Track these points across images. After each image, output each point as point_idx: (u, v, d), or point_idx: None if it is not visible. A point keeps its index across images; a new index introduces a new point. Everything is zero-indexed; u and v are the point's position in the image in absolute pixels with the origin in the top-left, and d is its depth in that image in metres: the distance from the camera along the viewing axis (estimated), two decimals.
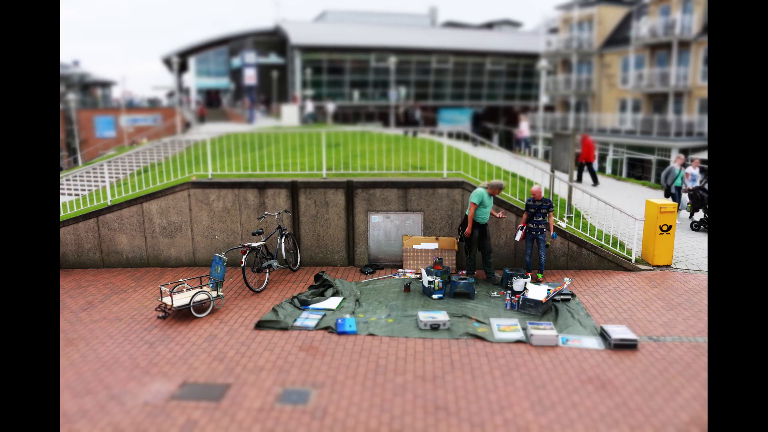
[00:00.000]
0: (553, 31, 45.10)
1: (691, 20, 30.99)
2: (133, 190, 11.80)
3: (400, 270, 10.53)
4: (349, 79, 52.15)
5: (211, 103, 52.10)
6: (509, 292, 8.88)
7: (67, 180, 16.90)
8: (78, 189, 16.41)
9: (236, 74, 55.76)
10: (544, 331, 7.29)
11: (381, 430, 5.31)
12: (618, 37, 37.30)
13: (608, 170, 31.03)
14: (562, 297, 8.64)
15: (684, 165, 14.01)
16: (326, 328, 7.70)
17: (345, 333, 7.53)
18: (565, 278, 9.47)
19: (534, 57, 51.52)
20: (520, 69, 57.01)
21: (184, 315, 8.30)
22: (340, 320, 7.75)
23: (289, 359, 6.80)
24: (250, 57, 33.42)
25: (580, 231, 10.78)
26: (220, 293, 8.60)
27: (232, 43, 57.77)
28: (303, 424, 5.40)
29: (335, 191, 10.70)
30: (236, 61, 55.82)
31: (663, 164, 28.67)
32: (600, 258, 10.23)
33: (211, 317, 8.22)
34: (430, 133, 22.20)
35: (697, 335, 7.39)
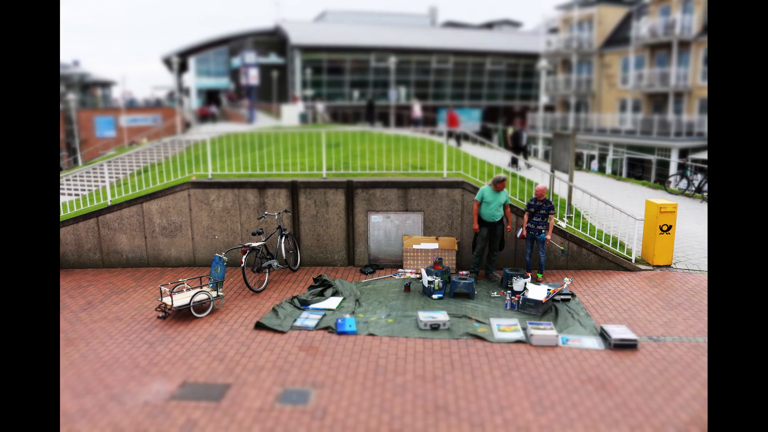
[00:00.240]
0: (553, 31, 45.10)
1: (691, 20, 30.99)
2: (133, 190, 11.80)
3: (400, 270, 10.53)
4: (349, 79, 52.16)
5: (211, 102, 52.08)
6: (509, 292, 8.88)
7: (67, 180, 16.90)
8: (78, 189, 16.41)
9: (236, 74, 55.78)
10: (544, 331, 7.29)
11: (381, 430, 5.32)
12: (618, 37, 37.31)
13: (608, 170, 31.02)
14: (562, 297, 8.64)
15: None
16: (326, 328, 7.70)
17: (345, 333, 7.53)
18: (565, 278, 9.47)
19: (534, 57, 51.54)
20: (520, 69, 57.03)
21: (184, 315, 8.30)
22: (340, 320, 7.75)
23: (289, 359, 6.80)
24: (250, 57, 33.40)
25: (580, 231, 10.78)
26: (220, 293, 8.60)
27: (232, 43, 57.80)
28: (303, 424, 5.40)
29: (335, 191, 10.71)
30: (236, 61, 55.82)
31: (663, 164, 28.68)
32: (600, 258, 10.24)
33: (211, 317, 8.22)
34: (430, 133, 22.19)
35: (697, 335, 7.39)
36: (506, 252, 10.55)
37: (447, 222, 10.71)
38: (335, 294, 9.11)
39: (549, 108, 43.85)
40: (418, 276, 10.11)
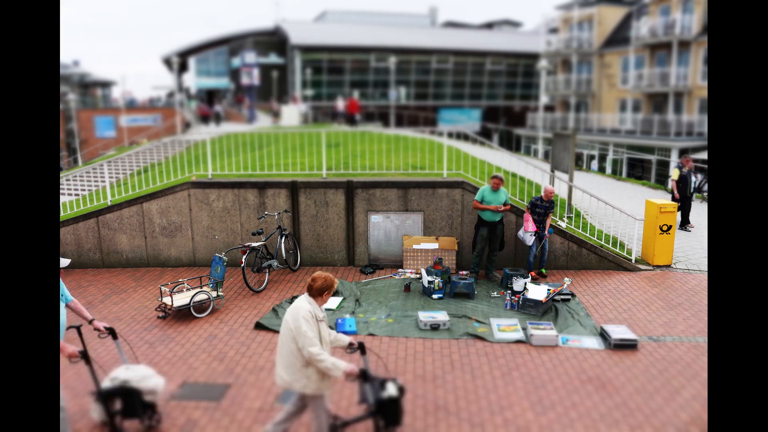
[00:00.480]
0: (553, 31, 45.10)
1: (691, 20, 30.99)
2: (133, 190, 11.80)
3: (400, 270, 10.53)
4: (349, 79, 52.16)
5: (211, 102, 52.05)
6: (509, 292, 8.88)
7: (67, 180, 16.90)
8: (78, 189, 16.40)
9: (236, 74, 55.76)
10: (544, 331, 7.29)
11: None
12: (618, 37, 37.31)
13: (608, 170, 31.03)
14: (562, 297, 8.64)
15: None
16: None
17: (345, 333, 7.53)
18: (565, 278, 9.47)
19: (534, 57, 51.54)
20: (520, 69, 57.03)
21: (184, 315, 8.30)
22: (340, 320, 7.75)
23: None
24: (250, 57, 33.38)
25: (580, 231, 10.78)
26: (220, 293, 8.60)
27: (232, 43, 57.80)
28: (303, 425, 5.40)
29: (335, 191, 10.71)
30: (236, 61, 55.82)
31: (663, 164, 28.68)
32: (600, 258, 10.24)
33: (211, 317, 8.22)
34: (430, 132, 22.20)
35: (697, 335, 7.39)
36: (506, 252, 10.55)
37: (447, 222, 10.71)
38: (335, 294, 9.11)
39: (549, 108, 43.86)
40: (418, 276, 10.11)
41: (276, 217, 10.59)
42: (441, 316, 7.76)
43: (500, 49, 55.84)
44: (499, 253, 10.10)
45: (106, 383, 5.01)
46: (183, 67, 58.12)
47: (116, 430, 4.88)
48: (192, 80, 60.70)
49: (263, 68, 51.47)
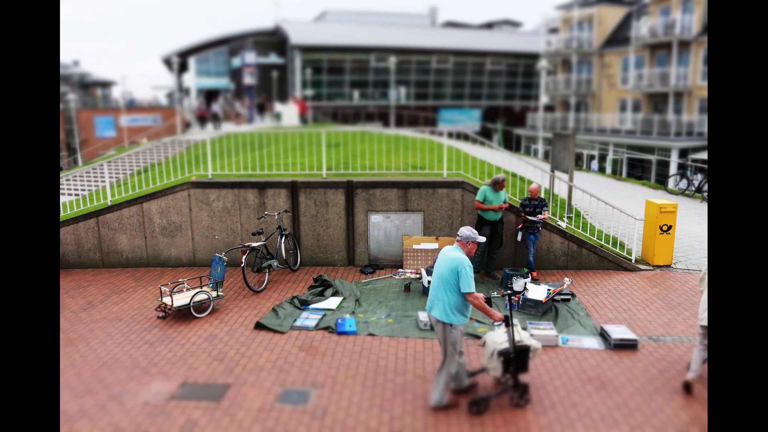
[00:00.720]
0: (553, 31, 45.10)
1: (691, 20, 30.99)
2: (133, 190, 11.80)
3: (400, 270, 10.53)
4: (349, 79, 52.16)
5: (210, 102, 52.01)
6: (509, 292, 8.87)
7: (67, 180, 16.90)
8: (78, 189, 16.40)
9: (236, 74, 55.71)
10: (544, 331, 7.29)
11: (381, 430, 5.31)
12: (618, 37, 37.30)
13: (608, 170, 31.03)
14: (562, 297, 8.64)
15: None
16: (326, 328, 7.70)
17: (345, 333, 7.53)
18: (565, 278, 9.47)
19: (534, 57, 51.54)
20: (520, 69, 57.03)
21: (184, 315, 8.30)
22: (340, 320, 7.75)
23: (289, 359, 6.80)
24: (250, 57, 33.38)
25: (580, 231, 10.78)
26: (220, 293, 8.60)
27: (232, 43, 57.78)
28: (303, 424, 5.40)
29: (335, 191, 10.71)
30: (236, 61, 55.81)
31: (663, 164, 28.68)
32: (600, 258, 10.23)
33: (211, 317, 8.22)
34: (430, 132, 22.21)
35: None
36: (506, 252, 10.56)
37: (447, 222, 10.71)
38: (335, 294, 9.11)
39: (549, 108, 43.85)
40: (418, 276, 10.11)
41: (276, 217, 10.59)
42: None
43: (500, 49, 55.84)
44: (498, 251, 10.12)
45: (502, 345, 5.71)
46: (183, 67, 58.10)
47: (517, 382, 5.67)
48: (192, 80, 60.67)
49: (263, 68, 51.48)
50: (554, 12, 45.24)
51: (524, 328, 7.62)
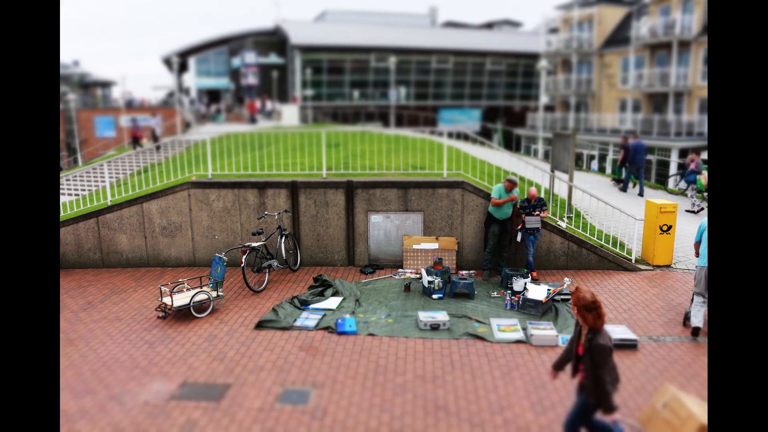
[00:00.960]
0: (553, 31, 45.09)
1: (691, 20, 30.99)
2: (133, 190, 11.80)
3: (400, 270, 10.53)
4: (349, 79, 52.15)
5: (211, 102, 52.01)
6: (509, 292, 8.89)
7: (67, 180, 16.90)
8: (78, 189, 16.40)
9: (236, 74, 55.72)
10: (544, 331, 7.29)
11: (381, 430, 5.31)
12: (618, 37, 37.30)
13: (608, 170, 31.02)
14: (562, 297, 8.64)
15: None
16: (326, 328, 7.70)
17: (345, 333, 7.53)
18: (565, 278, 9.48)
19: (534, 57, 51.54)
20: (520, 69, 57.02)
21: (184, 315, 8.30)
22: (340, 320, 7.75)
23: (289, 359, 6.80)
24: (250, 57, 33.40)
25: (580, 231, 10.78)
26: (220, 293, 8.60)
27: (232, 43, 57.78)
28: (303, 424, 5.40)
29: (335, 191, 10.70)
30: (236, 61, 55.81)
31: (663, 164, 28.67)
32: (600, 258, 10.23)
33: (211, 317, 8.22)
34: (430, 132, 22.20)
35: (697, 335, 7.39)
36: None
37: (447, 222, 10.71)
38: (335, 294, 9.11)
39: (549, 108, 43.85)
40: (418, 276, 10.12)
41: (276, 217, 10.59)
42: (441, 316, 7.76)
43: (500, 49, 55.83)
44: (508, 249, 10.20)
45: None
46: (183, 67, 58.10)
47: None
48: (192, 80, 60.68)
49: (263, 68, 51.47)
50: (554, 12, 45.25)
51: (524, 328, 7.62)
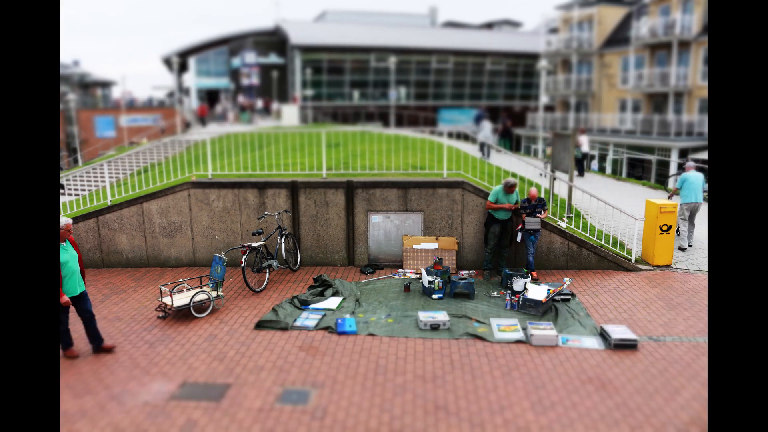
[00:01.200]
0: (553, 31, 45.07)
1: (691, 20, 30.98)
2: (133, 190, 11.80)
3: (400, 270, 10.53)
4: (349, 79, 52.14)
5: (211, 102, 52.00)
6: (509, 292, 8.89)
7: (67, 180, 16.89)
8: (78, 189, 16.40)
9: (236, 74, 55.71)
10: (544, 331, 7.28)
11: (381, 430, 5.31)
12: (618, 37, 37.30)
13: (608, 170, 31.03)
14: (562, 297, 8.63)
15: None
16: (326, 328, 7.70)
17: (345, 333, 7.53)
18: (565, 278, 9.48)
19: (534, 57, 51.51)
20: (520, 69, 57.00)
21: (184, 315, 8.30)
22: (340, 320, 7.75)
23: (289, 359, 6.80)
24: (250, 57, 33.39)
25: (580, 231, 10.78)
26: (220, 293, 8.60)
27: (232, 43, 57.76)
28: (303, 424, 5.40)
29: (335, 191, 10.70)
30: (236, 61, 55.79)
31: (663, 164, 28.68)
32: (600, 258, 10.23)
33: (211, 317, 8.22)
34: (430, 132, 22.21)
35: (697, 335, 7.39)
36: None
37: (447, 222, 10.71)
38: (335, 294, 9.11)
39: (549, 108, 43.83)
40: (418, 276, 10.12)
41: (276, 217, 10.59)
42: (441, 316, 7.76)
43: (500, 49, 55.80)
44: (508, 249, 10.20)
45: None
46: (183, 67, 58.08)
47: None
48: (192, 80, 60.66)
49: (263, 68, 51.44)
50: (554, 12, 45.21)
51: (524, 328, 7.62)
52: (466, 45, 54.86)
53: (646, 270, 9.97)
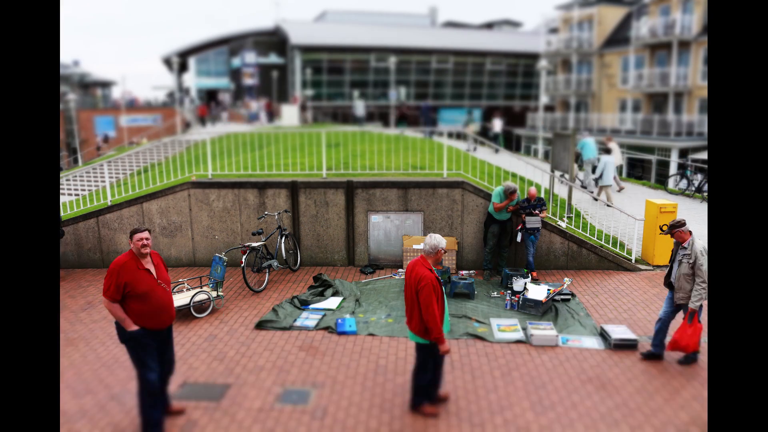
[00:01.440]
0: (553, 31, 45.06)
1: (691, 20, 30.98)
2: (133, 190, 11.80)
3: (400, 270, 10.53)
4: (349, 79, 52.14)
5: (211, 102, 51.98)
6: (509, 292, 8.89)
7: (67, 180, 16.89)
8: (78, 189, 16.40)
9: (236, 74, 55.69)
10: (544, 331, 7.28)
11: (381, 430, 5.31)
12: (618, 37, 37.29)
13: None
14: (562, 297, 8.63)
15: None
16: (326, 328, 7.70)
17: (345, 333, 7.53)
18: (565, 278, 9.47)
19: (534, 57, 51.50)
20: (520, 69, 56.99)
21: (184, 315, 8.30)
22: (340, 320, 7.75)
23: (289, 359, 6.80)
24: (250, 57, 33.38)
25: (580, 231, 10.78)
26: (220, 293, 8.60)
27: (232, 43, 57.76)
28: (303, 424, 5.40)
29: (335, 191, 10.70)
30: (236, 61, 55.78)
31: (663, 164, 28.67)
32: (600, 258, 10.23)
33: (211, 317, 8.22)
34: (430, 133, 22.21)
35: None
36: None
37: (447, 222, 10.71)
38: (335, 294, 9.11)
39: (549, 108, 43.82)
40: None
41: (276, 217, 10.59)
42: None
43: (500, 49, 55.79)
44: (508, 250, 10.20)
45: None
46: (183, 67, 58.08)
47: None
48: (192, 80, 60.66)
49: (263, 68, 51.41)
50: (554, 12, 45.21)
51: (524, 328, 7.62)
52: (466, 45, 54.85)
53: (646, 270, 9.97)
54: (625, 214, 10.71)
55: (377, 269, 10.63)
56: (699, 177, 16.09)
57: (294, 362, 6.72)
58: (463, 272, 10.43)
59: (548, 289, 8.41)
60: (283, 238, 10.37)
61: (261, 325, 7.80)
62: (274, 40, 53.63)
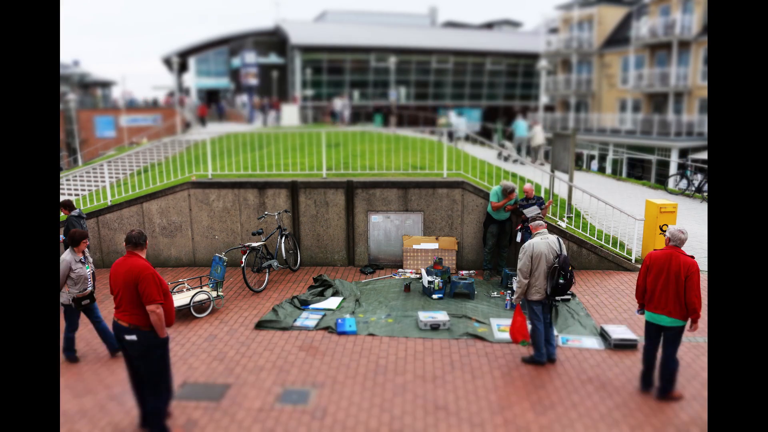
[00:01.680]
0: (553, 31, 45.06)
1: (691, 20, 30.98)
2: (133, 190, 11.80)
3: (400, 270, 10.53)
4: (349, 79, 52.14)
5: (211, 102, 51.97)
6: (509, 292, 8.89)
7: (67, 180, 16.89)
8: (78, 189, 16.39)
9: (236, 74, 55.68)
10: None
11: (381, 430, 5.31)
12: (618, 37, 37.29)
13: (608, 170, 31.01)
14: (562, 297, 8.63)
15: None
16: (326, 328, 7.70)
17: (345, 333, 7.53)
18: None
19: (534, 57, 51.49)
20: (520, 69, 56.98)
21: (184, 315, 8.30)
22: (340, 320, 7.75)
23: (289, 359, 6.80)
24: (250, 57, 33.39)
25: (580, 231, 10.77)
26: (220, 293, 8.60)
27: (232, 43, 57.76)
28: (303, 424, 5.40)
29: (335, 191, 10.70)
30: (236, 61, 55.76)
31: (663, 164, 28.67)
32: (600, 258, 10.23)
33: (211, 317, 8.21)
34: (430, 133, 22.19)
35: (697, 335, 7.39)
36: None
37: (447, 222, 10.71)
38: (335, 294, 9.11)
39: (549, 108, 43.82)
40: (418, 276, 10.11)
41: (276, 217, 10.59)
42: (441, 316, 7.76)
43: (500, 49, 55.77)
44: (507, 249, 10.20)
45: None
46: (183, 67, 58.08)
47: None
48: (192, 80, 60.66)
49: (263, 68, 51.37)
50: (554, 12, 45.21)
51: None
52: (466, 45, 54.84)
53: None
54: (625, 214, 10.71)
55: (377, 269, 10.63)
56: (699, 177, 16.10)
57: (294, 362, 6.72)
58: (463, 272, 10.43)
59: None
60: (283, 238, 10.37)
61: (261, 325, 7.80)
62: (274, 40, 53.63)
